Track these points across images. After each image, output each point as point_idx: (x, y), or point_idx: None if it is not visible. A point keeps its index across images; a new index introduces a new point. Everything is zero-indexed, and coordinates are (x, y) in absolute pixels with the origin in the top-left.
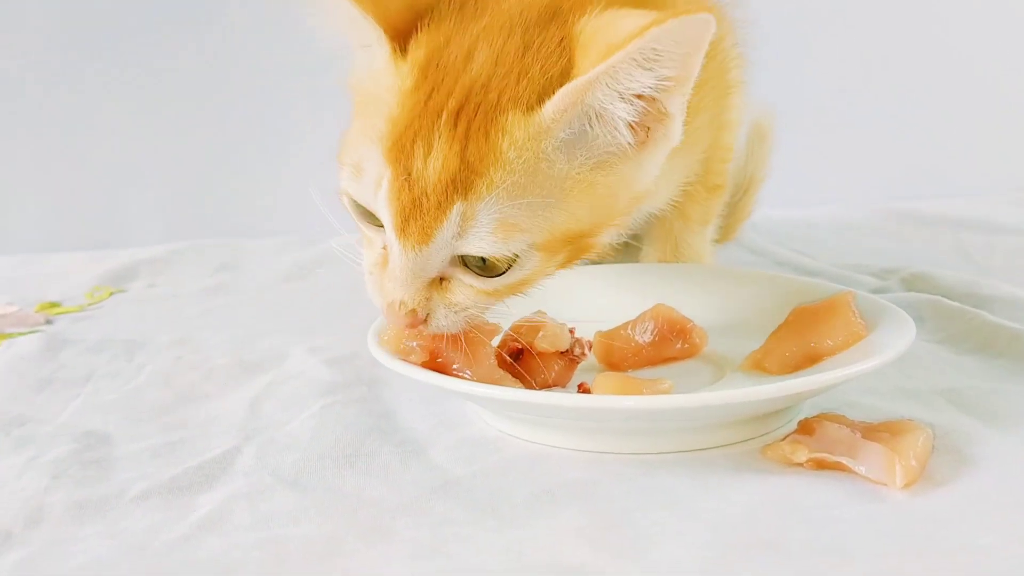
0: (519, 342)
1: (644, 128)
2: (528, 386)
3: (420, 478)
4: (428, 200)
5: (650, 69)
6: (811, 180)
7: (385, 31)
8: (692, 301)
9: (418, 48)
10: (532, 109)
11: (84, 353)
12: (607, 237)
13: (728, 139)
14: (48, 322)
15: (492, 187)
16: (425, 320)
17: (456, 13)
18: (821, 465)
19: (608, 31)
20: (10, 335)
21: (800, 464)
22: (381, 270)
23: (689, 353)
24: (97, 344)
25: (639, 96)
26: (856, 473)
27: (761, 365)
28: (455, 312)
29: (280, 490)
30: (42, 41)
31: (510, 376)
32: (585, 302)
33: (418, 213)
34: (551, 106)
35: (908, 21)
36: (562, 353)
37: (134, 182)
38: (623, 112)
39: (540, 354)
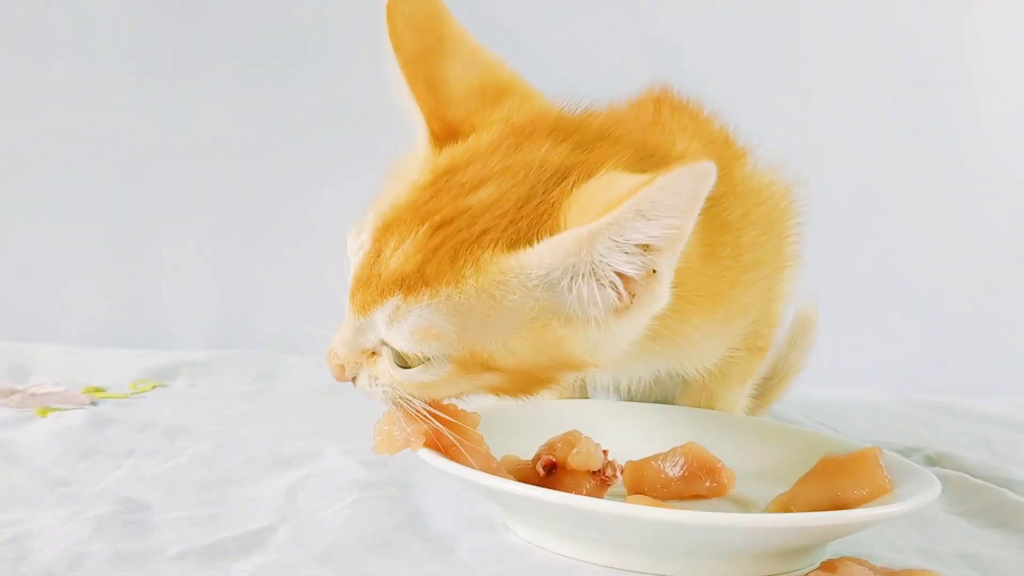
0: (553, 457)
1: (629, 294)
2: None
3: (449, 571)
4: (378, 281)
5: (655, 219)
6: (841, 362)
7: (428, 122)
8: (722, 444)
9: (449, 155)
10: (512, 249)
11: (128, 431)
12: (565, 380)
13: (779, 308)
14: (93, 403)
15: (434, 299)
16: (353, 380)
17: (494, 142)
18: None
19: (605, 190)
20: (57, 409)
21: None
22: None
23: (717, 492)
24: (140, 425)
25: (643, 247)
26: None
27: (787, 508)
28: (375, 383)
29: (313, 566)
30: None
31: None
32: (617, 434)
33: (367, 287)
34: (543, 249)
35: (955, 216)
36: (594, 473)
37: (186, 286)
38: (622, 264)
39: (572, 471)
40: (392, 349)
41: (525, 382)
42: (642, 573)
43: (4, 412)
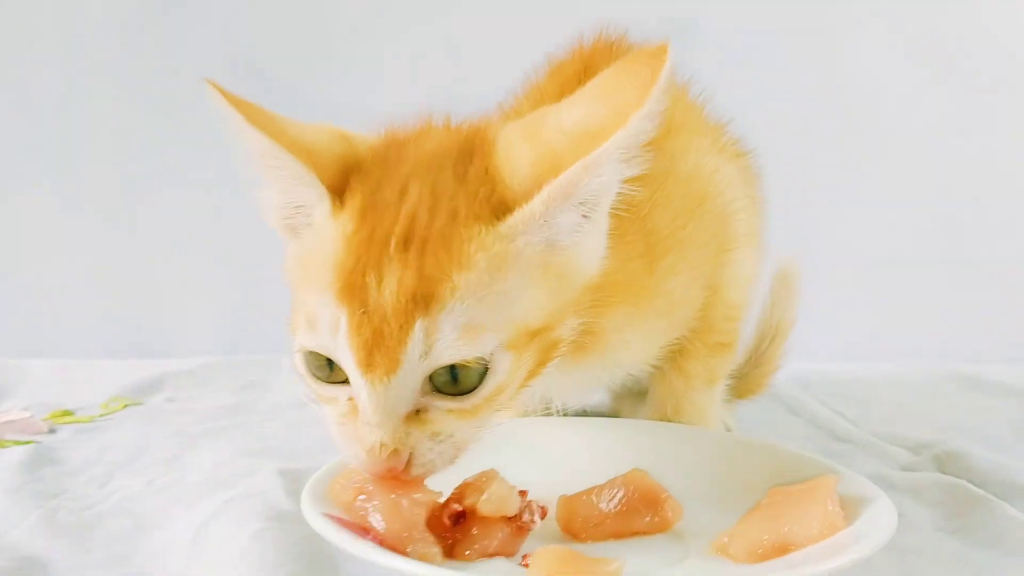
0: (459, 505)
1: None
2: (455, 555)
3: None
4: (389, 326)
5: (653, 120)
6: (874, 330)
7: (327, 187)
8: (677, 466)
9: (352, 197)
10: (496, 218)
11: (63, 472)
12: (567, 330)
13: (733, 295)
14: (52, 431)
15: (455, 292)
16: (409, 462)
17: (380, 163)
18: None
19: (539, 131)
20: (6, 443)
21: None
22: (352, 419)
23: (659, 527)
24: (83, 461)
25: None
26: None
27: (726, 550)
28: (440, 442)
29: None
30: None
31: (431, 539)
32: (559, 459)
33: (381, 342)
34: (543, 195)
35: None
36: (510, 519)
37: (190, 291)
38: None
39: (483, 519)
40: (446, 383)
41: (551, 340)
42: None
43: None
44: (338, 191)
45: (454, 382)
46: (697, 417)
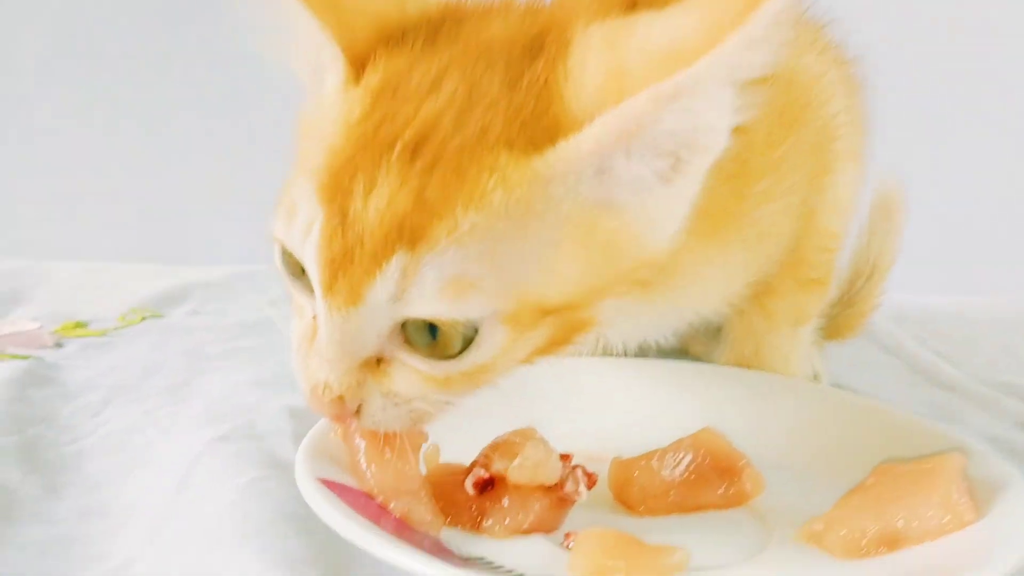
0: (487, 471)
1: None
2: (481, 529)
3: None
4: (363, 250)
5: (764, 47)
6: (974, 260)
7: (344, 51)
8: (758, 426)
9: (374, 72)
10: (536, 148)
11: (58, 393)
12: (606, 313)
13: (830, 224)
14: (58, 345)
15: (453, 232)
16: (357, 412)
17: (425, 38)
18: None
19: (628, 44)
20: (2, 357)
21: None
22: (309, 345)
23: (735, 501)
24: (77, 387)
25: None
26: None
27: (821, 540)
28: (395, 405)
29: None
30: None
31: (432, 509)
32: (612, 412)
33: (349, 266)
34: (598, 129)
35: None
36: (549, 488)
37: (223, 195)
38: (715, 115)
39: (516, 488)
40: (421, 336)
41: (576, 320)
42: None
43: None
44: (360, 60)
45: (431, 340)
46: (781, 362)
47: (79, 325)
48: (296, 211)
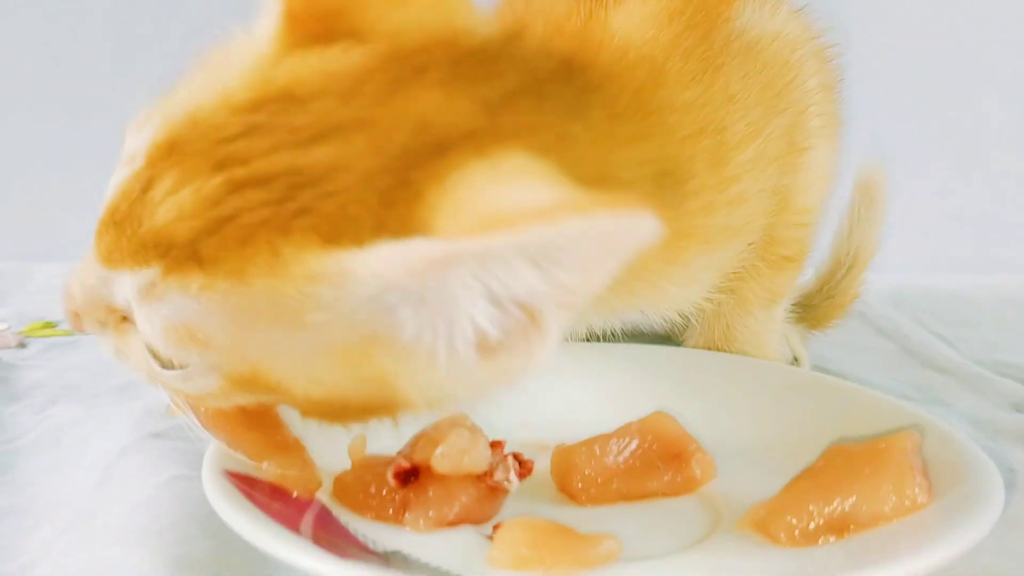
0: (408, 460)
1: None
2: (403, 523)
3: None
4: (135, 232)
5: (544, 270)
6: (978, 238)
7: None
8: (715, 410)
9: (292, 68)
10: (333, 245)
11: (2, 396)
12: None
13: (805, 201)
14: (21, 345)
15: (205, 291)
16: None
17: (364, 68)
18: None
19: (494, 194)
20: None
21: None
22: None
23: (684, 488)
24: (31, 385)
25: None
26: None
27: (766, 527)
28: (123, 360)
29: None
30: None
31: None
32: (567, 400)
33: (120, 232)
34: (379, 257)
35: None
36: (477, 477)
37: None
38: (484, 315)
39: (441, 478)
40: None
41: (334, 414)
42: None
43: None
44: (314, 32)
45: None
46: (753, 344)
47: (47, 325)
48: (141, 132)
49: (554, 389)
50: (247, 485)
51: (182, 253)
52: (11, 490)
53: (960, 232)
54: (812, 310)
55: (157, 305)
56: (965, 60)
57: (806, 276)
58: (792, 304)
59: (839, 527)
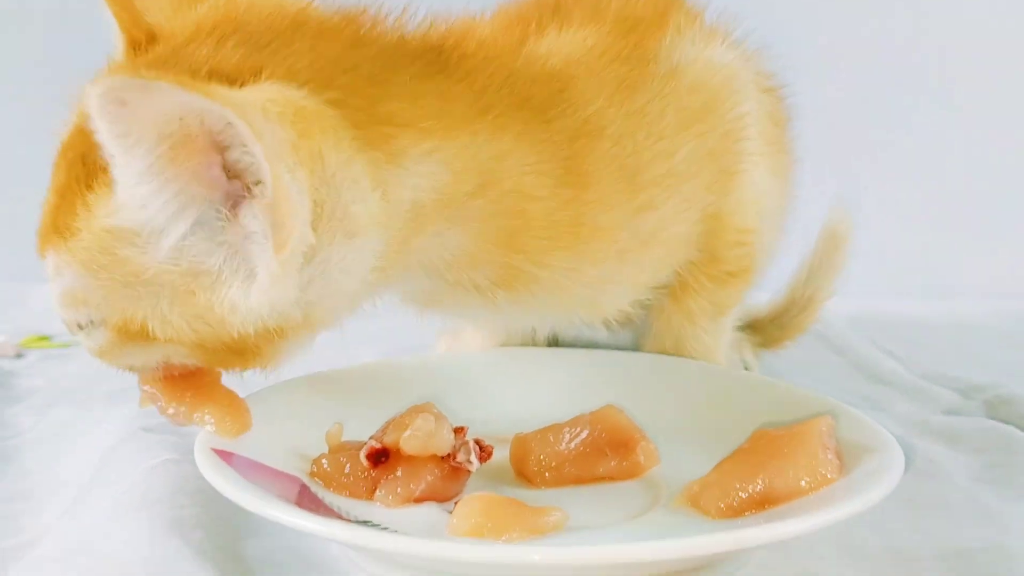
0: (379, 441)
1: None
2: (373, 498)
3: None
4: (41, 225)
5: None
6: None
7: (124, 29)
8: (658, 404)
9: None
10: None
11: (3, 399)
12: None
13: (743, 221)
14: (19, 355)
15: (64, 255)
16: None
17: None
18: None
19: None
20: None
21: None
22: None
23: (629, 473)
24: (30, 390)
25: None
26: None
27: (697, 502)
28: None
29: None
30: None
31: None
32: (526, 397)
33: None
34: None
35: None
36: (442, 459)
37: None
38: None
39: (409, 459)
40: None
41: (214, 358)
42: None
43: None
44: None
45: None
46: (701, 352)
47: (43, 339)
48: None
49: (513, 387)
50: (228, 460)
51: (50, 230)
52: (14, 478)
53: (917, 260)
54: (764, 334)
55: (55, 280)
56: (925, 87)
57: (757, 295)
58: (744, 326)
59: (761, 501)
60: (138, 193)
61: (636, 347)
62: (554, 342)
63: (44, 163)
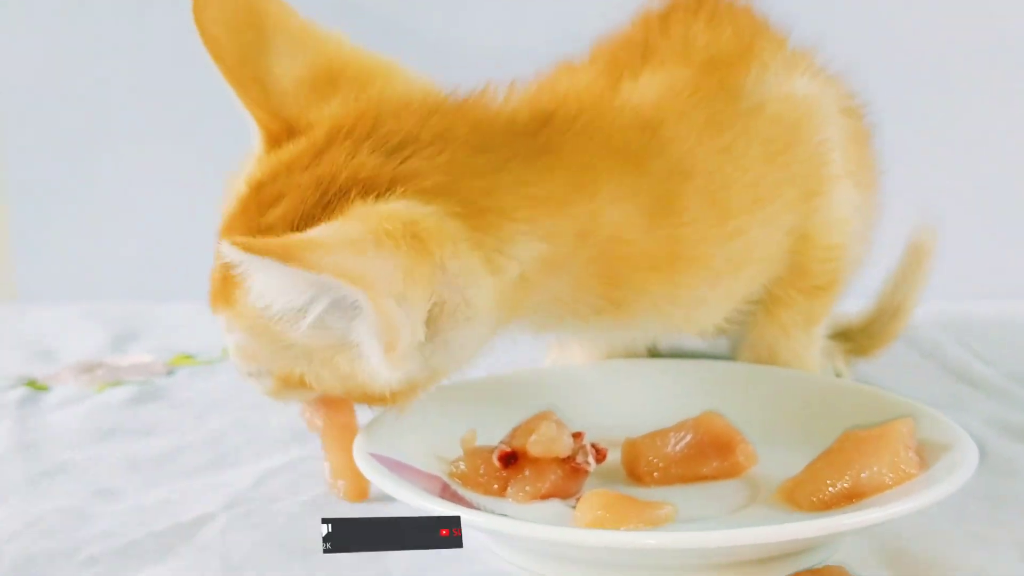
0: (509, 445)
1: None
2: (505, 495)
3: None
4: (213, 287)
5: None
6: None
7: (262, 126)
8: (754, 410)
9: (264, 163)
10: None
11: (165, 407)
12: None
13: (830, 239)
14: (169, 373)
15: (233, 320)
16: None
17: (304, 148)
18: None
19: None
20: (119, 383)
21: None
22: None
23: (729, 473)
24: (184, 400)
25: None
26: None
27: (791, 497)
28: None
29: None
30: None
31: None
32: (633, 405)
33: (212, 283)
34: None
35: None
36: (563, 460)
37: None
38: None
39: (535, 460)
40: None
41: (367, 401)
42: None
43: (64, 391)
44: (281, 130)
45: None
46: (796, 362)
47: (187, 357)
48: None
49: (622, 396)
50: (382, 462)
51: (220, 297)
52: (177, 477)
53: (1004, 260)
54: (855, 343)
55: (227, 335)
56: (1004, 89)
57: (847, 305)
58: (836, 335)
59: (849, 496)
60: (275, 284)
61: (732, 354)
62: (654, 350)
63: (184, 187)
